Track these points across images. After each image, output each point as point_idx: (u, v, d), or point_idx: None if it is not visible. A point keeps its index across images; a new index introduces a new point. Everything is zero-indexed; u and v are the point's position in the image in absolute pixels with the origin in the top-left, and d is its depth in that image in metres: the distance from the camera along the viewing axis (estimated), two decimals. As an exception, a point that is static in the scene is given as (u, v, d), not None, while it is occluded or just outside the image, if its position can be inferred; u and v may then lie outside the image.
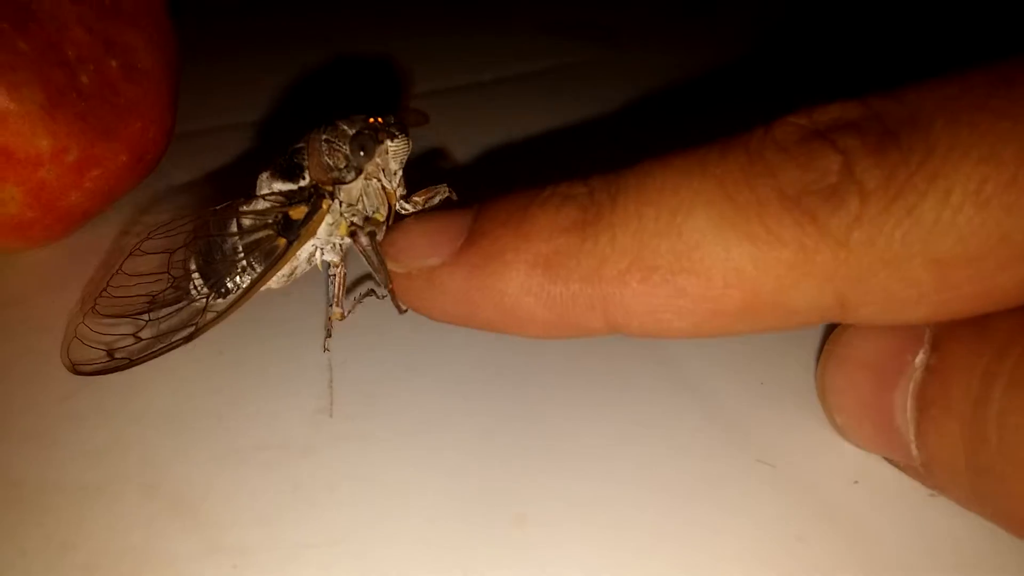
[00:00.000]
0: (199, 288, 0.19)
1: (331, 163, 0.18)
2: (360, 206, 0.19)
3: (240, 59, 0.39)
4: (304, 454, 0.18)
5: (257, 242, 0.19)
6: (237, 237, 0.19)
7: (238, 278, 0.19)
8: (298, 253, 0.19)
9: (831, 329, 0.18)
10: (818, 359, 0.18)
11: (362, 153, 0.18)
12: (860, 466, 0.18)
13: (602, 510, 0.17)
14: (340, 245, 0.20)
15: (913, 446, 0.16)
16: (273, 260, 0.19)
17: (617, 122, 0.34)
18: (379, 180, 0.19)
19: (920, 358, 0.16)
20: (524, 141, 0.32)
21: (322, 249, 0.20)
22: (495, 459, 0.18)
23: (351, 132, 0.18)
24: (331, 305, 0.20)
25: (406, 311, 0.18)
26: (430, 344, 0.21)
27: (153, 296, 0.20)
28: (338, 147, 0.18)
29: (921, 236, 0.13)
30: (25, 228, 0.22)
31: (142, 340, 0.19)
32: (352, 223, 0.19)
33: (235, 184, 0.28)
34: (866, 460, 0.18)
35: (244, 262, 0.19)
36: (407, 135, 0.19)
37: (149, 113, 0.23)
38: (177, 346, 0.18)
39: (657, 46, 0.41)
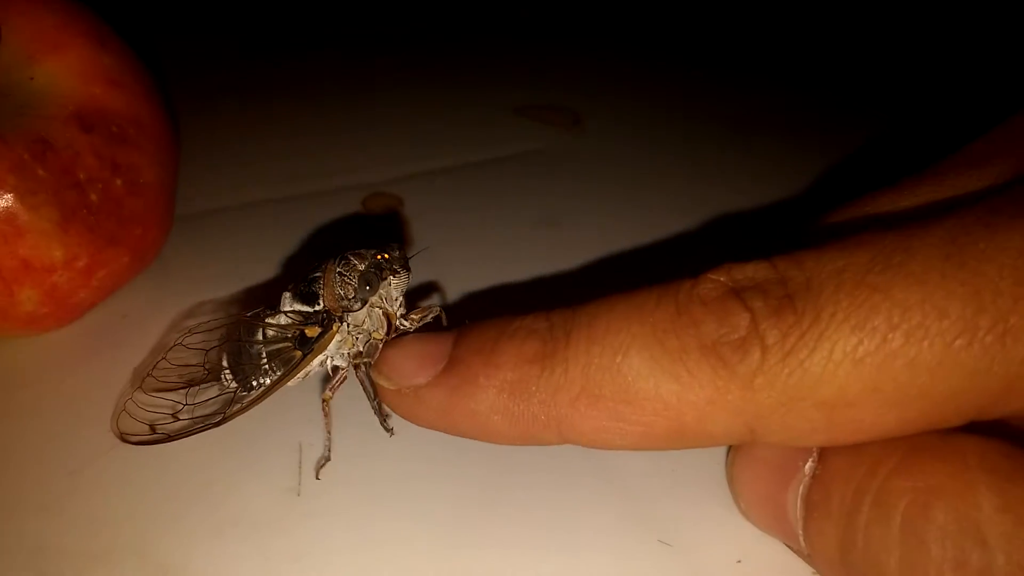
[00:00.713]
0: (229, 382, 0.23)
1: (342, 294, 0.22)
2: (365, 327, 0.23)
3: (226, 140, 0.42)
4: (273, 529, 0.21)
5: (278, 351, 0.23)
6: (261, 345, 0.23)
7: (262, 378, 0.23)
8: (310, 369, 0.23)
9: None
10: (728, 452, 0.21)
11: (368, 288, 0.22)
12: (744, 547, 0.21)
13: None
14: (347, 354, 0.23)
15: (801, 538, 0.19)
16: (290, 368, 0.22)
17: (581, 205, 0.37)
18: (381, 307, 0.23)
19: (809, 465, 0.19)
20: (494, 223, 0.35)
21: (332, 357, 0.23)
22: (444, 536, 0.21)
23: (360, 268, 0.22)
24: (330, 392, 0.23)
25: (392, 433, 0.22)
26: (396, 433, 0.24)
27: (190, 384, 0.24)
28: (348, 281, 0.22)
29: (809, 384, 0.16)
30: (38, 321, 0.25)
31: (179, 420, 0.23)
32: (357, 354, 0.23)
33: (231, 269, 0.31)
34: (750, 542, 0.21)
35: (267, 366, 0.23)
36: (408, 269, 0.23)
37: (149, 219, 0.26)
38: (208, 428, 0.22)
39: (621, 131, 0.44)
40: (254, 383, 0.23)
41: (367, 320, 0.23)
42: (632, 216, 0.36)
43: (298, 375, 0.23)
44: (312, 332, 0.22)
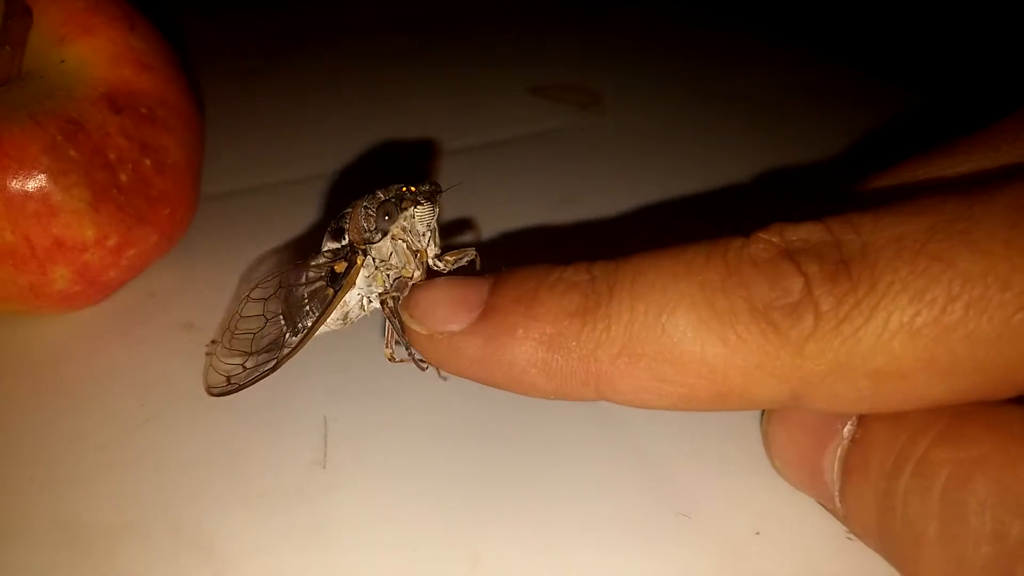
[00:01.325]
0: (282, 328, 0.24)
1: (365, 226, 0.22)
2: (392, 261, 0.22)
3: (250, 121, 0.43)
4: (298, 500, 0.22)
5: (315, 291, 0.23)
6: (304, 287, 0.23)
7: (306, 320, 0.23)
8: (347, 300, 0.23)
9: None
10: (762, 412, 0.22)
11: (387, 218, 0.22)
12: (763, 519, 0.21)
13: (547, 555, 0.20)
14: (379, 293, 0.23)
15: (837, 499, 0.19)
16: (324, 306, 0.22)
17: (604, 185, 0.37)
18: (406, 241, 0.22)
19: (848, 428, 0.19)
20: (512, 203, 0.36)
21: (368, 298, 0.23)
22: (464, 509, 0.22)
23: (381, 199, 0.22)
24: (387, 348, 0.23)
25: (427, 368, 0.22)
26: (416, 402, 0.25)
27: (254, 334, 0.24)
28: (370, 212, 0.22)
29: (862, 353, 0.16)
30: (70, 299, 0.25)
31: (246, 369, 0.23)
32: (383, 289, 0.22)
33: (256, 248, 0.32)
34: (768, 514, 0.21)
35: (308, 307, 0.23)
36: (433, 202, 0.22)
37: (177, 199, 0.26)
38: (265, 376, 0.23)
39: (640, 109, 0.44)
40: (299, 326, 0.23)
41: (393, 255, 0.22)
42: (652, 193, 0.36)
43: (335, 314, 0.23)
44: (340, 267, 0.22)
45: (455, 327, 0.19)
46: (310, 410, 0.25)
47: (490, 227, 0.34)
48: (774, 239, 0.18)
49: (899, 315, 0.16)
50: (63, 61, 0.24)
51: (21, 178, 0.23)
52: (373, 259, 0.22)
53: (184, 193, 0.27)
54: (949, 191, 0.17)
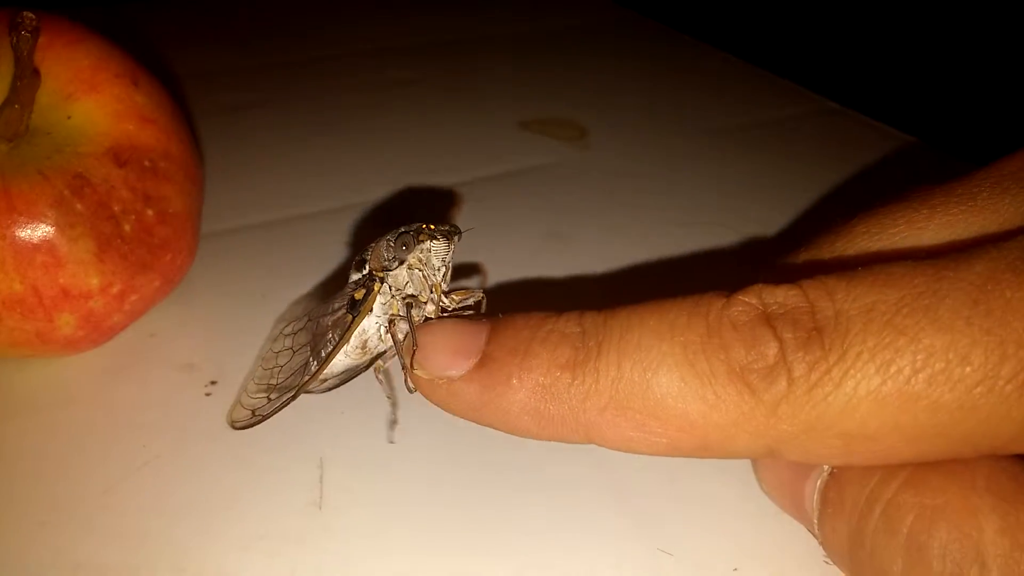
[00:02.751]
0: (307, 358, 0.25)
1: (384, 255, 0.23)
2: (407, 290, 0.24)
3: (245, 157, 0.44)
4: (298, 543, 0.23)
5: (337, 320, 0.24)
6: (328, 316, 0.24)
7: (327, 347, 0.24)
8: (366, 328, 0.24)
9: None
10: None
11: (404, 248, 0.23)
12: (741, 556, 0.22)
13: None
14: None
15: (815, 527, 0.20)
16: (344, 331, 0.23)
17: (591, 219, 0.38)
18: (422, 271, 0.23)
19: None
20: (502, 238, 0.37)
21: (385, 326, 0.24)
22: (455, 545, 0.23)
23: (401, 231, 0.23)
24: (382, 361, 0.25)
25: (414, 392, 0.22)
26: (410, 445, 0.26)
27: (281, 367, 0.25)
28: (391, 243, 0.23)
29: (832, 416, 0.17)
30: (75, 343, 0.26)
31: (270, 401, 0.24)
32: (403, 302, 0.23)
33: (255, 287, 0.33)
34: (746, 551, 0.22)
35: (330, 335, 0.24)
36: (449, 239, 0.23)
37: (178, 245, 0.27)
38: (288, 404, 0.24)
39: (627, 144, 0.45)
40: (322, 353, 0.24)
41: (409, 284, 0.24)
42: (639, 229, 0.37)
43: (353, 342, 0.24)
44: (359, 295, 0.24)
45: (454, 373, 0.21)
46: (307, 451, 0.25)
47: (481, 261, 0.35)
48: (752, 301, 0.19)
49: (866, 383, 0.17)
50: (70, 117, 0.25)
51: (30, 231, 0.24)
52: (390, 287, 0.24)
53: (185, 239, 0.28)
54: (920, 262, 0.18)
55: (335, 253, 0.35)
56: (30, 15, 0.22)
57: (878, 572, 0.18)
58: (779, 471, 0.21)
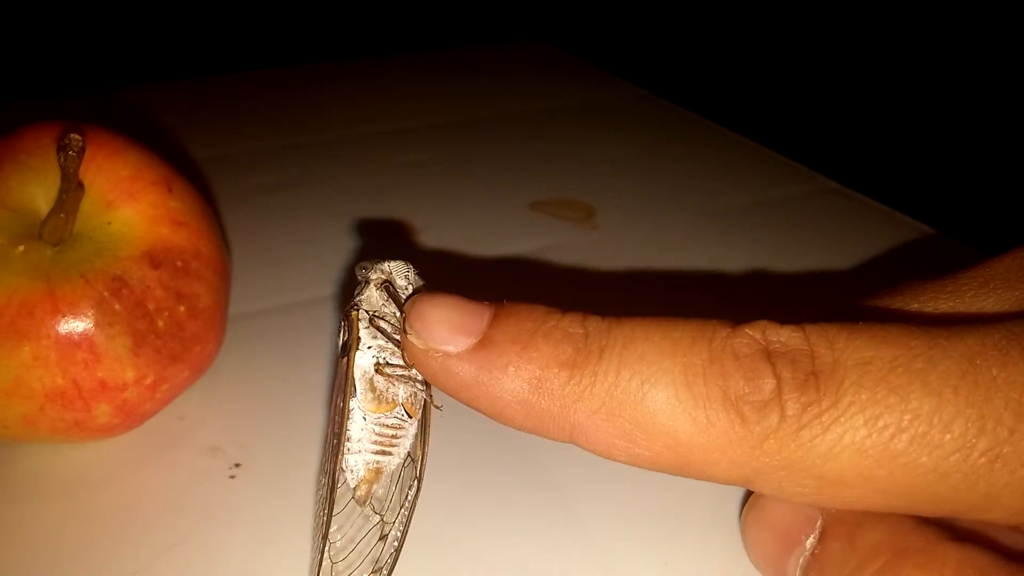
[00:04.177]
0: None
1: (355, 291, 0.24)
2: (387, 310, 0.23)
3: (264, 241, 0.46)
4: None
5: (337, 371, 0.24)
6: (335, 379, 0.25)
7: (338, 402, 0.24)
8: (364, 367, 0.23)
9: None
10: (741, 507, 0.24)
11: (364, 269, 0.24)
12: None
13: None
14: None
15: None
16: (344, 379, 0.23)
17: (598, 299, 0.40)
18: (389, 289, 0.23)
19: (810, 541, 0.21)
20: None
21: (382, 359, 0.23)
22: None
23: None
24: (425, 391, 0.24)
25: (441, 408, 0.23)
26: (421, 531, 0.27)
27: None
28: (356, 275, 0.24)
29: (813, 458, 0.18)
30: (109, 430, 0.28)
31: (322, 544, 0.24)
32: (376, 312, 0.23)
33: (280, 368, 0.34)
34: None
35: (335, 391, 0.24)
36: (408, 262, 0.24)
37: (207, 337, 0.29)
38: (330, 510, 0.24)
39: (635, 224, 0.47)
40: (336, 421, 0.24)
41: (384, 305, 0.24)
42: (645, 307, 0.39)
43: (363, 388, 0.23)
44: (344, 337, 0.24)
45: (451, 349, 0.21)
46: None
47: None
48: (756, 336, 0.20)
49: (852, 434, 0.18)
50: (109, 223, 0.27)
51: (72, 330, 0.26)
52: (367, 312, 0.23)
53: (213, 331, 0.30)
54: (920, 326, 0.19)
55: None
56: (77, 137, 0.25)
57: None
58: (765, 542, 0.23)
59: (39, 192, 0.27)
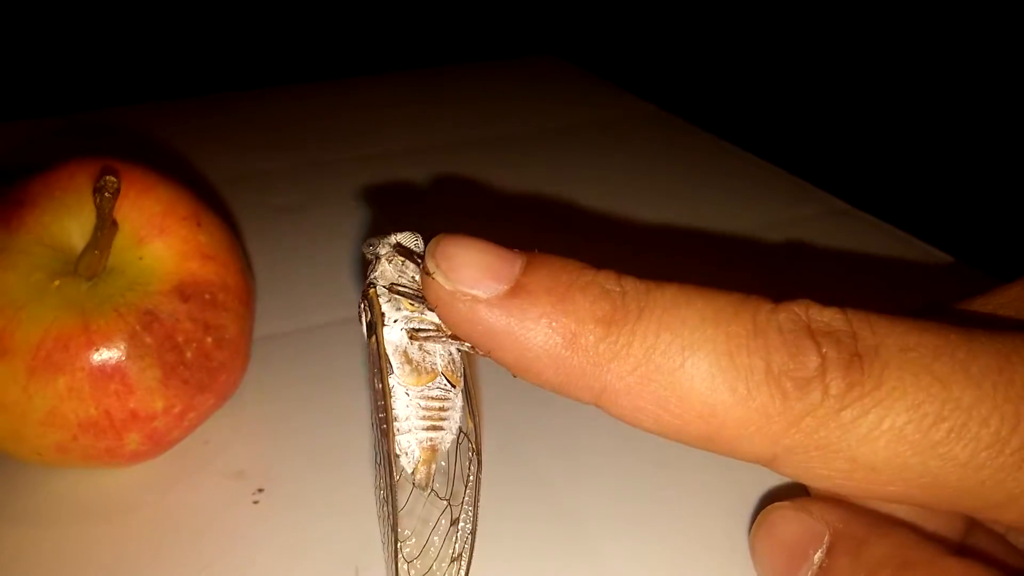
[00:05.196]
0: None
1: (369, 267, 0.23)
2: (403, 280, 0.23)
3: (282, 260, 0.47)
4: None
5: (371, 353, 0.23)
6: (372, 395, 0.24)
7: (378, 385, 0.23)
8: (395, 343, 0.23)
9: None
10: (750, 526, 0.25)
11: (371, 246, 0.23)
12: None
13: None
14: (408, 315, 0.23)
15: None
16: (377, 358, 0.23)
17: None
18: (405, 257, 0.23)
19: (818, 556, 0.21)
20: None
21: (410, 328, 0.23)
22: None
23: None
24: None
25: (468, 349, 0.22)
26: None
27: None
28: (364, 254, 0.24)
29: (850, 440, 0.18)
30: (138, 456, 0.29)
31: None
32: (410, 310, 0.23)
33: (302, 391, 0.35)
34: None
35: (373, 378, 0.24)
36: (415, 232, 0.23)
37: (233, 366, 0.30)
38: (393, 510, 0.23)
39: (637, 246, 0.48)
40: (379, 405, 0.23)
41: (400, 275, 0.23)
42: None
43: (400, 363, 0.23)
44: (367, 318, 0.23)
45: (480, 293, 0.20)
46: (341, 559, 0.28)
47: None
48: (800, 313, 0.19)
49: (893, 419, 0.18)
50: (141, 258, 0.28)
51: (105, 363, 0.27)
52: (383, 287, 0.23)
53: (238, 360, 0.31)
54: (954, 323, 0.20)
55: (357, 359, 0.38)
56: (113, 180, 0.26)
57: None
58: (774, 559, 0.23)
59: (74, 228, 0.28)
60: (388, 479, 0.23)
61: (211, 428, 0.33)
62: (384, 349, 0.22)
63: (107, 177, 0.26)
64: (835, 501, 0.22)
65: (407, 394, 0.23)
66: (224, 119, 0.65)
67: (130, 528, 0.29)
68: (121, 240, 0.28)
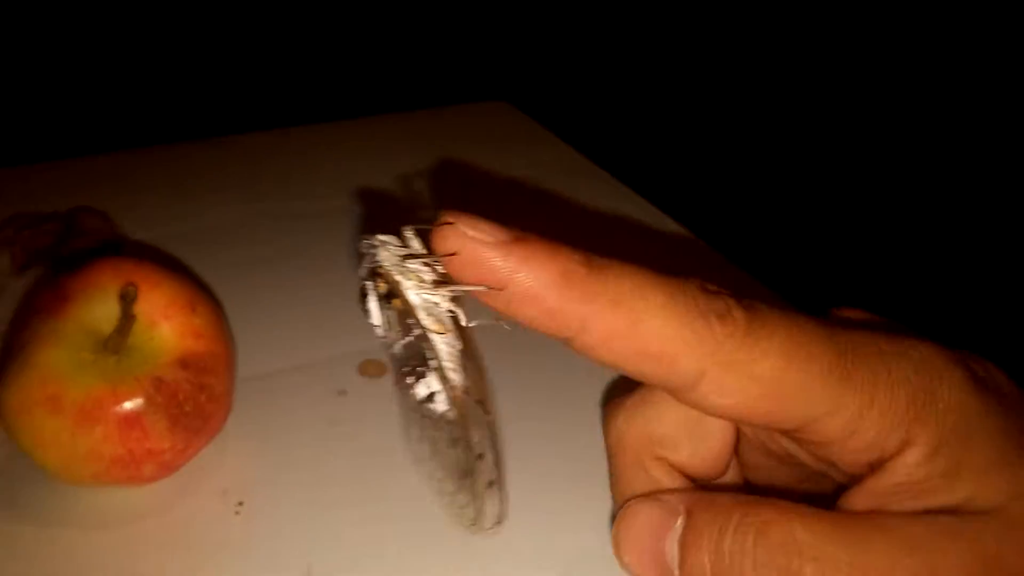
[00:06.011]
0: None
1: (366, 259, 0.26)
2: (403, 253, 0.26)
3: (259, 310, 0.57)
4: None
5: (406, 340, 0.27)
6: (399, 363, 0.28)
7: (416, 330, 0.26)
8: (415, 303, 0.26)
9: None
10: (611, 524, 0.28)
11: (367, 240, 0.26)
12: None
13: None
14: (431, 281, 0.26)
15: (676, 572, 0.25)
16: (405, 319, 0.26)
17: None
18: (406, 249, 0.26)
19: (680, 520, 0.25)
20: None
21: (415, 280, 0.26)
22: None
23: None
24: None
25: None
26: (401, 549, 0.39)
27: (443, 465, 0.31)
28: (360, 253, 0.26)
29: (753, 356, 0.24)
30: (151, 479, 0.40)
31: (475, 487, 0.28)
32: (417, 267, 0.26)
33: (281, 429, 0.46)
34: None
35: (408, 356, 0.27)
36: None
37: (220, 413, 0.41)
38: (483, 466, 0.27)
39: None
40: (418, 370, 0.27)
41: (396, 251, 0.26)
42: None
43: (430, 324, 0.26)
44: (382, 292, 0.26)
45: (487, 239, 0.24)
46: (292, 558, 0.39)
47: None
48: (710, 285, 0.25)
49: (778, 343, 0.24)
50: (152, 338, 0.39)
51: (129, 416, 0.37)
52: (388, 266, 0.26)
53: (225, 406, 0.41)
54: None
55: (337, 401, 0.49)
56: (134, 289, 0.36)
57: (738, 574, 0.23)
58: (640, 536, 0.26)
59: (103, 316, 0.39)
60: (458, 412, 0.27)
61: (202, 456, 0.44)
62: (410, 307, 0.26)
63: (129, 287, 0.36)
64: (684, 489, 0.27)
65: (446, 345, 0.26)
66: (192, 166, 0.74)
67: (145, 529, 0.40)
68: (137, 325, 0.39)
